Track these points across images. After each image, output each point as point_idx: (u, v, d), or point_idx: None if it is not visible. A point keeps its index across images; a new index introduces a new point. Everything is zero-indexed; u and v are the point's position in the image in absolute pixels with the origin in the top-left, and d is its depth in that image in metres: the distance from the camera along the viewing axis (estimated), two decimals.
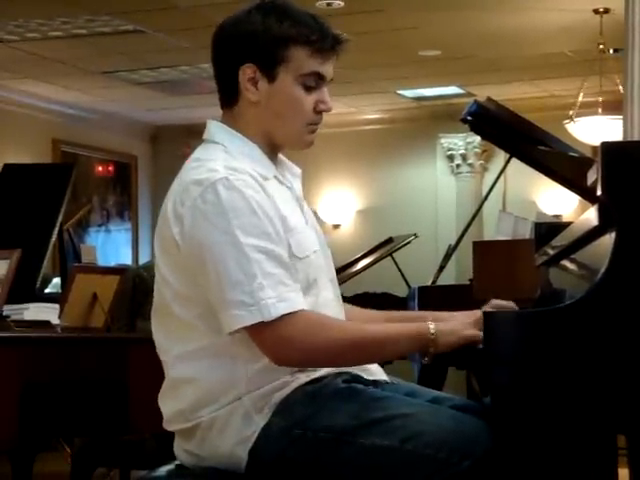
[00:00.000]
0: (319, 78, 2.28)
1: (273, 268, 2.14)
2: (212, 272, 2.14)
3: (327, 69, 2.29)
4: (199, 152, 2.32)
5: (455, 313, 2.32)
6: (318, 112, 2.31)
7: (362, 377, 2.31)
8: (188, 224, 2.17)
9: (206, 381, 2.22)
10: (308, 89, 2.28)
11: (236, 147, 2.28)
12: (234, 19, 2.30)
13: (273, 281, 2.13)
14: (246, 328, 2.13)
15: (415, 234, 8.12)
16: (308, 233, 2.32)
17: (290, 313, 2.13)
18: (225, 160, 2.23)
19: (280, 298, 2.12)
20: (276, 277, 2.14)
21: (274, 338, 2.13)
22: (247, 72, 2.26)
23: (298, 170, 2.44)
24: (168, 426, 2.32)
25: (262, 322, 2.11)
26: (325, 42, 2.26)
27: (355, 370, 2.31)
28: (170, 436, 2.35)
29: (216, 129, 2.33)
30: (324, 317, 2.22)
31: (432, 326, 2.19)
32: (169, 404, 2.31)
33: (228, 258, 2.13)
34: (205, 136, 2.35)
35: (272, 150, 2.35)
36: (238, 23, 2.28)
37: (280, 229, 2.20)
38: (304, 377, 2.23)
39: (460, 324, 2.23)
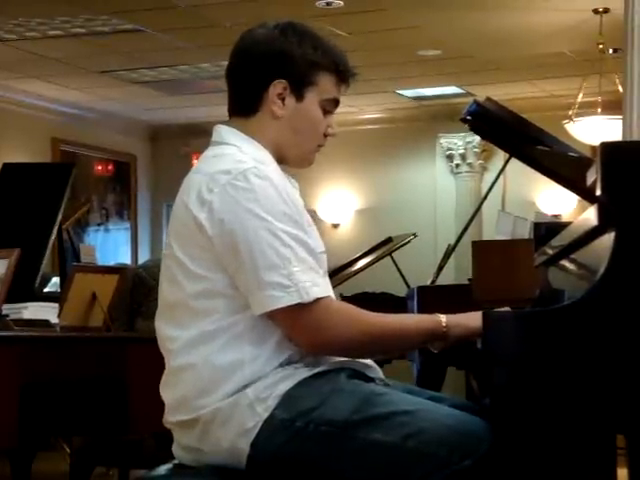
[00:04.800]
0: (335, 104, 2.43)
1: (305, 255, 2.22)
2: (246, 255, 2.19)
3: (341, 97, 2.44)
4: (211, 151, 2.37)
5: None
6: (325, 135, 2.44)
7: (364, 373, 2.33)
8: (217, 208, 2.21)
9: (210, 366, 2.23)
10: (325, 113, 2.42)
11: (251, 150, 2.34)
12: (266, 36, 2.38)
13: (306, 267, 2.20)
14: (281, 310, 2.18)
15: (414, 234, 8.11)
16: (318, 234, 2.38)
17: (323, 298, 2.20)
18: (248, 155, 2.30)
19: (314, 283, 2.20)
20: (308, 263, 2.21)
21: (311, 322, 2.20)
22: (277, 87, 2.36)
23: (296, 183, 2.49)
24: (171, 416, 2.32)
25: (299, 304, 2.17)
26: (347, 73, 2.43)
27: (358, 366, 2.33)
28: (169, 435, 2.35)
29: (227, 133, 2.39)
30: (352, 307, 2.28)
31: (444, 319, 2.28)
32: (172, 391, 2.31)
33: (263, 242, 2.19)
34: (215, 139, 2.40)
35: (277, 163, 2.40)
36: (273, 41, 2.37)
37: (305, 221, 2.28)
38: (307, 370, 2.25)
39: (465, 317, 2.30)
